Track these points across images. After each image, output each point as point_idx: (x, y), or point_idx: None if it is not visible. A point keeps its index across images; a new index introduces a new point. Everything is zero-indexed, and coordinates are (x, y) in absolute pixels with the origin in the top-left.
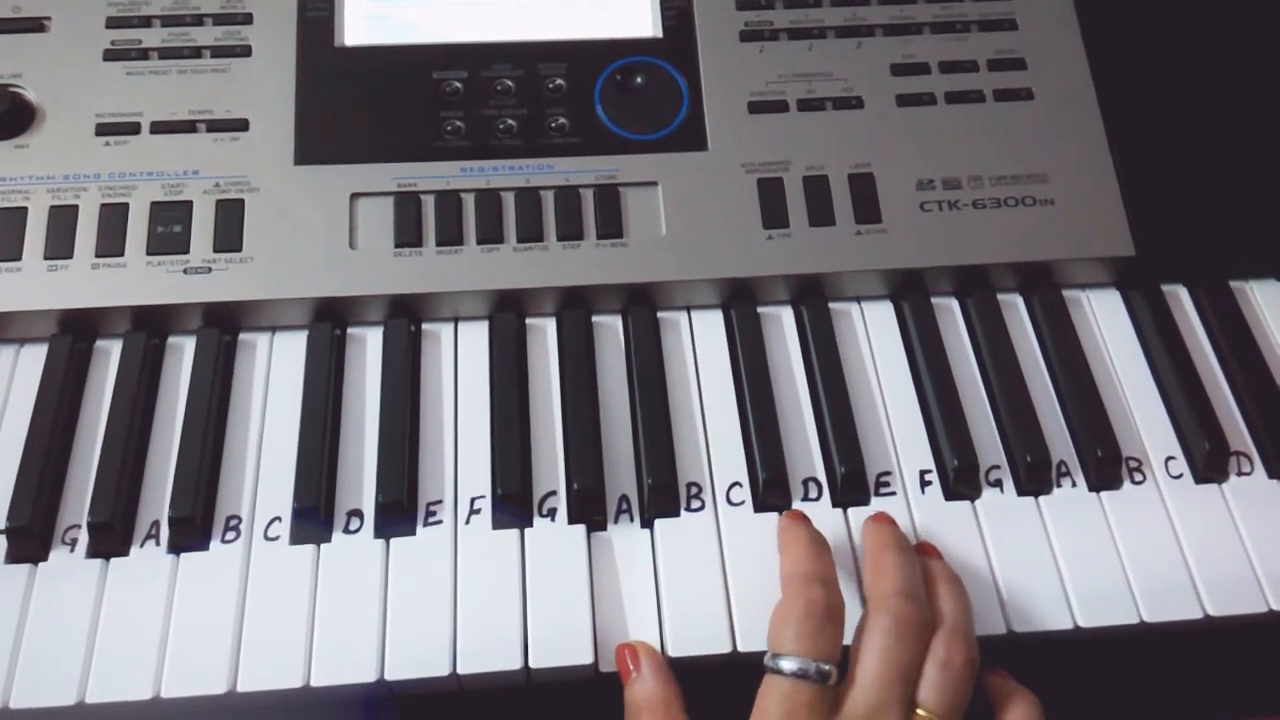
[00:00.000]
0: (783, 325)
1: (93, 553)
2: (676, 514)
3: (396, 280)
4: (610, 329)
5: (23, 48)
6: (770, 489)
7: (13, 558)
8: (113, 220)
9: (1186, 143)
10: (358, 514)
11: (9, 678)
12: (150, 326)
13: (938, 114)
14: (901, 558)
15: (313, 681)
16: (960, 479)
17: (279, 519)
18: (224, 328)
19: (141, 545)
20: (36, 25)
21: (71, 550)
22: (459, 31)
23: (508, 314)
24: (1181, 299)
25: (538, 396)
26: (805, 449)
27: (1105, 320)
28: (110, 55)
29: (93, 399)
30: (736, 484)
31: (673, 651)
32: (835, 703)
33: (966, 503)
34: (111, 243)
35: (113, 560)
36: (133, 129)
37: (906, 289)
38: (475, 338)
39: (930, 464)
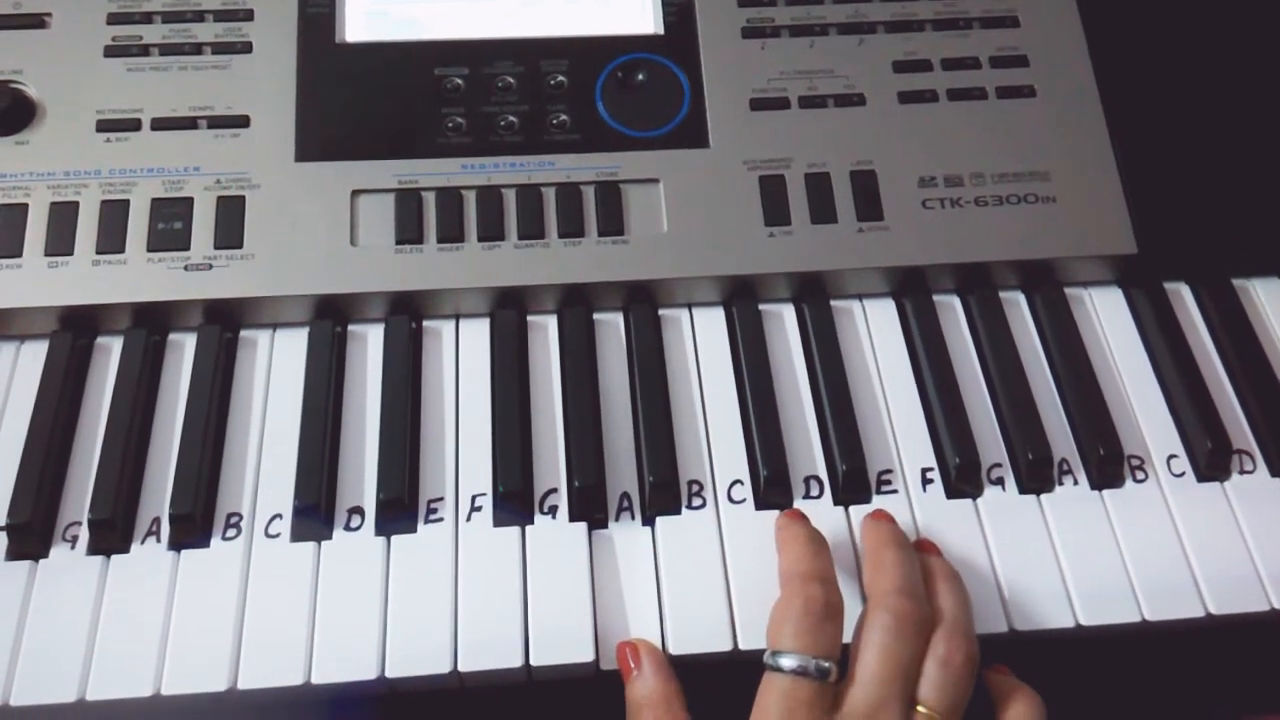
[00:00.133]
0: (784, 323)
1: (93, 550)
2: (678, 512)
3: (397, 277)
4: (611, 326)
5: (24, 44)
6: (771, 487)
7: (13, 555)
8: (113, 217)
9: (1189, 140)
10: (359, 511)
11: (9, 675)
12: (151, 323)
13: (940, 111)
14: (900, 555)
15: (313, 679)
16: (962, 477)
17: (280, 516)
18: (225, 325)
19: (142, 542)
20: (37, 21)
21: (72, 547)
22: (460, 28)
23: (509, 311)
24: (1184, 297)
25: (539, 394)
26: (807, 447)
27: (1107, 318)
28: (111, 51)
29: (93, 396)
30: (738, 482)
31: (674, 649)
32: (835, 700)
33: (968, 501)
34: (112, 239)
35: (113, 557)
36: (133, 125)
37: (908, 286)
38: (476, 335)
39: (932, 462)
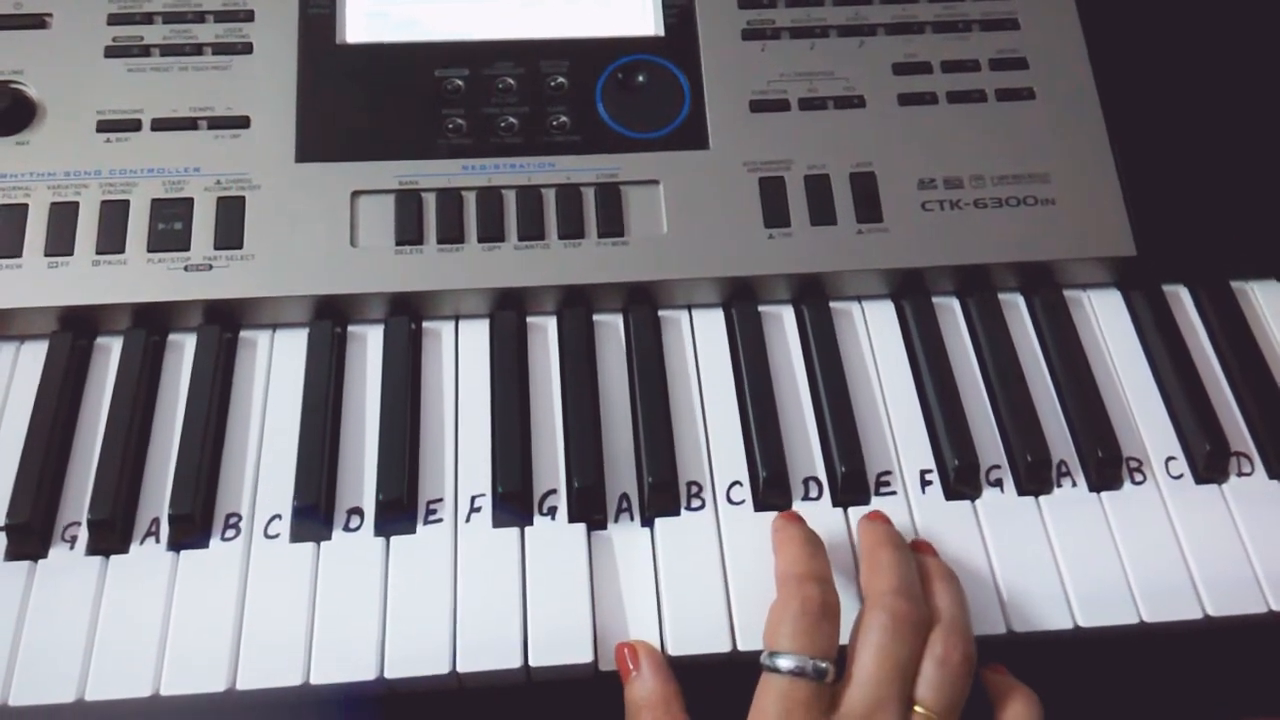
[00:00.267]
0: (783, 324)
1: (93, 550)
2: (677, 513)
3: (397, 278)
4: (611, 327)
5: (24, 44)
6: (771, 488)
7: (12, 555)
8: (113, 217)
9: (1188, 143)
10: (358, 512)
11: (8, 675)
12: (151, 324)
13: (939, 113)
14: (897, 555)
15: (312, 679)
16: (960, 479)
17: (279, 517)
18: (224, 325)
19: (141, 543)
20: (38, 22)
21: (71, 547)
22: (461, 29)
23: (508, 312)
24: (1182, 299)
25: (538, 395)
26: (806, 448)
27: (1106, 320)
28: (111, 52)
29: (93, 396)
30: (737, 483)
31: (673, 650)
32: (833, 701)
33: (967, 502)
34: (112, 240)
35: (112, 558)
36: (134, 126)
37: (907, 288)
38: (476, 336)
39: (931, 463)
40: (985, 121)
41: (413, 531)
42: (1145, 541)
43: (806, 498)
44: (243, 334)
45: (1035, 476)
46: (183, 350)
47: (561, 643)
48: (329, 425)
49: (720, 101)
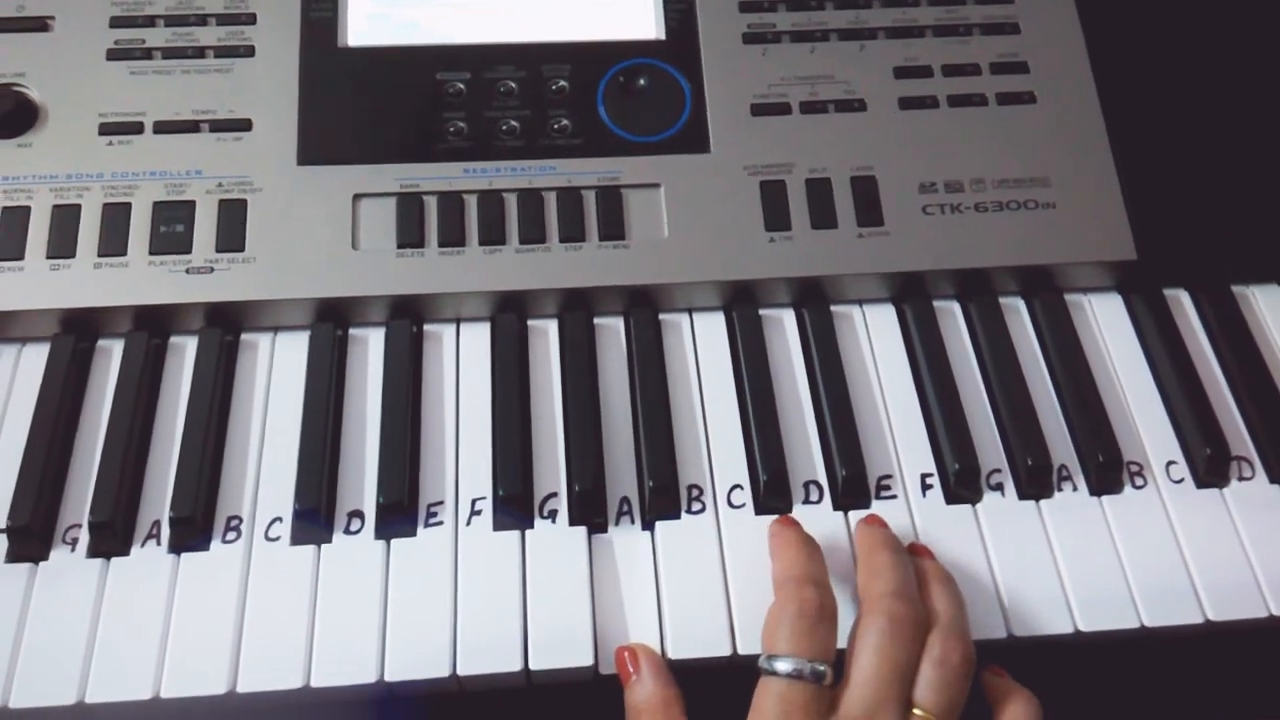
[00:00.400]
0: (784, 328)
1: (93, 552)
2: (677, 516)
3: (398, 281)
4: (612, 330)
5: (26, 47)
6: (771, 491)
7: (13, 557)
8: (115, 220)
9: (1188, 147)
10: (359, 515)
11: (9, 677)
12: (152, 326)
13: (940, 117)
14: (894, 558)
15: (313, 682)
16: (961, 482)
17: (280, 519)
18: (226, 328)
19: (142, 545)
20: (40, 24)
21: (72, 550)
22: (462, 32)
23: (509, 315)
24: (1183, 303)
25: (539, 398)
26: (806, 451)
27: (1107, 324)
28: (114, 55)
29: (94, 398)
30: (737, 486)
31: (673, 654)
32: (832, 703)
33: (967, 506)
34: (114, 242)
35: (113, 560)
36: (136, 129)
37: (908, 292)
38: (477, 339)
39: (931, 467)
40: (986, 125)
41: (413, 534)
42: (1146, 545)
43: (807, 501)
44: (244, 337)
45: (1036, 480)
46: (184, 353)
47: (562, 646)
48: (330, 428)
49: (721, 105)
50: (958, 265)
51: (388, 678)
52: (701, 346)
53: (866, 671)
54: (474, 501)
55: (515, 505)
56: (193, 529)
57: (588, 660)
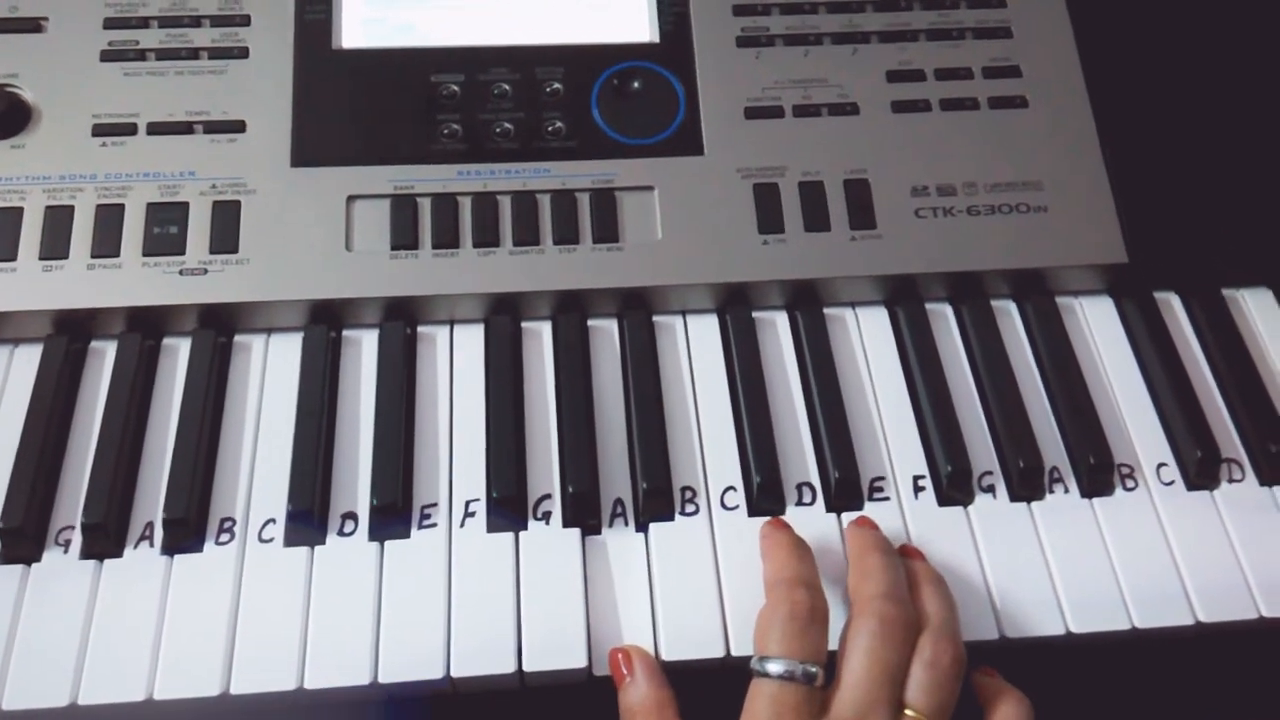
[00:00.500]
0: (777, 330)
1: (86, 554)
2: (671, 518)
3: (392, 283)
4: (606, 333)
5: (20, 48)
6: (764, 493)
7: (6, 558)
8: (108, 221)
9: (1180, 151)
10: (352, 516)
11: (1, 679)
12: (145, 327)
13: (933, 121)
14: (884, 560)
15: (306, 684)
16: (953, 485)
17: (273, 521)
18: (219, 329)
19: (135, 546)
20: (34, 25)
21: (65, 551)
22: (457, 35)
23: (503, 317)
24: (1174, 306)
25: (533, 400)
26: (799, 454)
27: (1098, 327)
28: (107, 56)
29: (87, 400)
30: (731, 488)
31: (666, 655)
32: (823, 705)
33: (960, 508)
34: (107, 243)
35: (106, 561)
36: (129, 130)
37: (901, 295)
38: (471, 341)
39: (924, 469)
40: (978, 129)
41: (407, 536)
42: (1137, 548)
43: (800, 503)
44: (237, 338)
45: (1028, 483)
46: (177, 354)
47: (555, 647)
48: (323, 430)
49: (715, 108)
50: (950, 268)
51: (381, 679)
52: (695, 349)
53: (857, 673)
54: (468, 503)
55: (509, 507)
56: (186, 530)
57: (581, 662)
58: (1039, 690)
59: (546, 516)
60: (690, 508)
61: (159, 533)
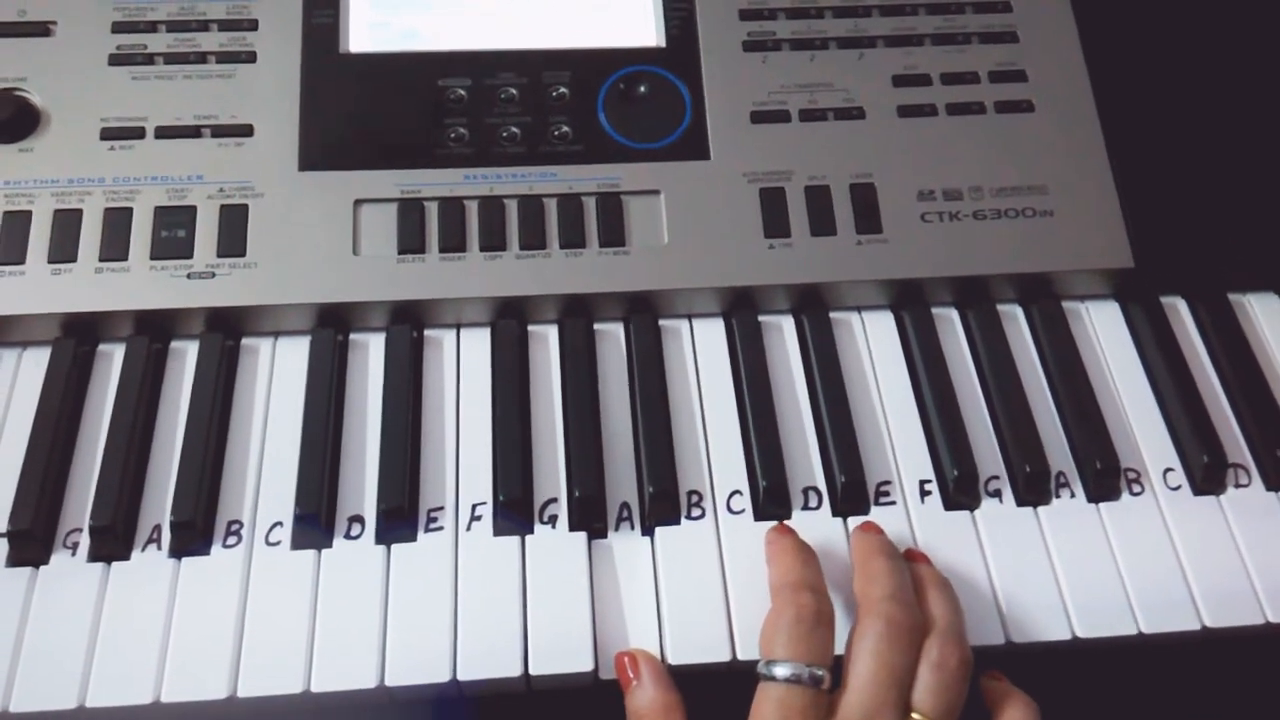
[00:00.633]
0: (784, 334)
1: (94, 556)
2: (677, 522)
3: (399, 287)
4: (612, 337)
5: (28, 51)
6: (770, 498)
7: (14, 561)
8: (116, 224)
9: (1186, 155)
10: (359, 520)
11: (9, 681)
12: (153, 331)
13: (939, 125)
14: (890, 564)
15: (313, 687)
16: (959, 489)
17: (280, 524)
18: (227, 333)
19: (143, 549)
20: (42, 29)
21: (73, 554)
22: (463, 39)
23: (510, 321)
24: (1180, 311)
25: (539, 403)
26: (805, 458)
27: (1104, 332)
28: (115, 60)
29: (95, 403)
30: (737, 492)
31: (672, 659)
32: (830, 708)
33: (966, 513)
34: (115, 247)
35: (114, 564)
36: (137, 134)
37: (907, 299)
38: (477, 344)
39: (930, 474)
40: (984, 133)
41: (413, 539)
42: (1143, 552)
43: (806, 507)
44: (245, 341)
45: (1034, 487)
46: (185, 358)
47: (562, 651)
48: (330, 433)
49: (721, 112)
50: (956, 273)
51: (388, 683)
52: (701, 353)
53: (864, 676)
54: (474, 507)
55: (515, 510)
56: (193, 533)
57: (588, 666)
58: (1046, 694)
59: (553, 520)
60: (696, 512)
61: (166, 535)
